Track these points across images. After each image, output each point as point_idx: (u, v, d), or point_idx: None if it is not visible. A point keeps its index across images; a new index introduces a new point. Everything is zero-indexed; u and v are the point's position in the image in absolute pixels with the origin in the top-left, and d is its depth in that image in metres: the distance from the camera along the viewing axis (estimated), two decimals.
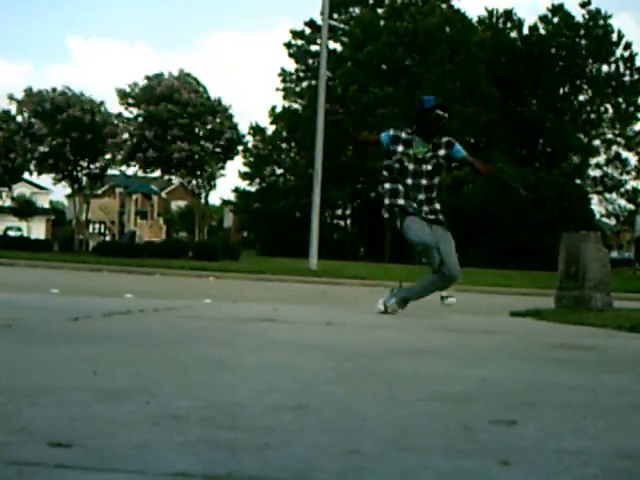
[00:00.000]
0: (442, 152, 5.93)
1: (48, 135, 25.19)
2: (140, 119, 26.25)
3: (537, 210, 37.90)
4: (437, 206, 5.95)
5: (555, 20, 50.64)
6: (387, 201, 5.92)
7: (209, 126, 26.18)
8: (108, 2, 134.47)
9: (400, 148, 5.89)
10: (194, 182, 27.87)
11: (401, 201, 5.86)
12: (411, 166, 5.87)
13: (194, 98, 26.16)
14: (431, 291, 6.11)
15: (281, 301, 8.65)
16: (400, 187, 5.87)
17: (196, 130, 25.95)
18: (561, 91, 50.99)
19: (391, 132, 6.02)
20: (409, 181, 5.86)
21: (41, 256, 20.55)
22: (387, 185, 5.92)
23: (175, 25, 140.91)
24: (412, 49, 45.30)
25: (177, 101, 25.81)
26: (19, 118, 26.65)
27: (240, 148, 28.91)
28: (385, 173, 5.97)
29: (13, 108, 26.85)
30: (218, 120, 26.37)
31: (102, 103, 27.01)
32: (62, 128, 25.16)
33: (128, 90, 26.61)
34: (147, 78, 27.13)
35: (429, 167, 5.89)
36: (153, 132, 25.50)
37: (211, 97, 27.21)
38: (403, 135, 5.96)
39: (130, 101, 26.65)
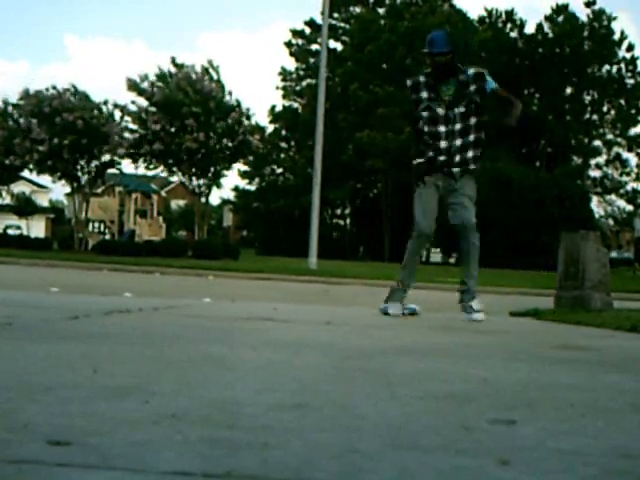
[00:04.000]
0: (473, 87, 5.44)
1: (50, 138, 25.13)
2: (151, 109, 26.06)
3: (537, 209, 37.92)
4: (470, 154, 5.47)
5: (559, 20, 50.67)
6: (414, 163, 5.62)
7: (223, 122, 25.89)
8: (105, 0, 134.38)
9: (424, 94, 5.49)
10: (195, 181, 27.81)
11: (420, 159, 5.55)
12: (442, 111, 5.44)
13: (215, 88, 25.99)
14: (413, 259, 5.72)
15: (280, 300, 8.65)
16: (428, 140, 5.50)
17: (212, 125, 25.63)
18: (563, 91, 51.02)
19: (408, 82, 5.59)
20: (442, 128, 5.44)
21: (41, 254, 20.54)
22: (418, 145, 5.60)
23: (173, 24, 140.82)
24: (413, 48, 45.33)
25: (197, 90, 25.64)
26: (17, 116, 26.58)
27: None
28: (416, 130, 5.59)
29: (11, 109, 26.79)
30: (231, 122, 26.07)
31: (106, 102, 26.87)
32: (60, 130, 25.13)
33: (138, 81, 26.49)
34: (173, 61, 26.99)
35: (462, 109, 5.42)
36: (160, 123, 25.32)
37: (226, 96, 27.01)
38: (422, 79, 5.53)
39: (143, 86, 26.41)
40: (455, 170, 5.52)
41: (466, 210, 5.58)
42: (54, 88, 26.54)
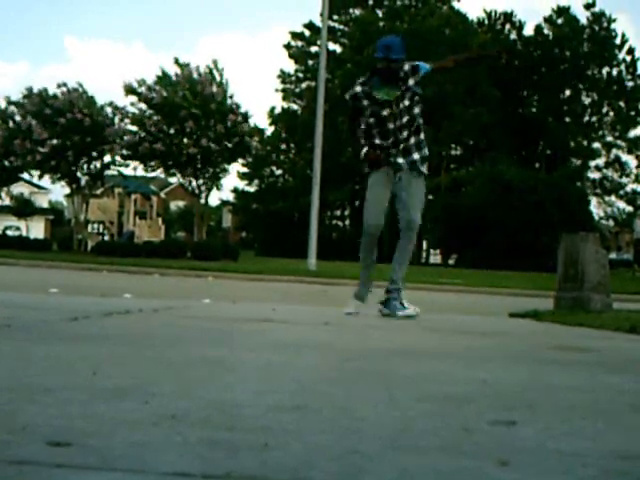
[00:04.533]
0: (412, 81, 5.61)
1: (49, 138, 25.09)
2: (149, 111, 26.02)
3: (537, 211, 37.94)
4: (413, 141, 5.65)
5: (559, 22, 50.67)
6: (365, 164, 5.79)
7: (223, 125, 25.81)
8: (106, 2, 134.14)
9: (365, 102, 5.65)
10: (194, 182, 27.78)
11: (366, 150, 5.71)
12: (387, 111, 5.60)
13: (217, 92, 25.91)
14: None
15: (280, 301, 8.65)
16: (375, 140, 5.66)
17: (212, 126, 25.54)
18: (562, 93, 51.04)
19: (347, 96, 5.76)
20: (390, 125, 5.61)
21: (40, 256, 20.52)
22: (364, 149, 5.72)
23: (172, 26, 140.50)
24: (412, 50, 45.36)
25: (197, 92, 25.55)
26: (18, 117, 26.52)
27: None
28: (361, 134, 5.74)
29: (11, 109, 26.72)
30: (229, 122, 25.96)
31: (111, 103, 26.87)
32: (62, 131, 25.09)
33: (136, 85, 26.44)
34: (176, 62, 26.91)
35: (406, 102, 5.60)
36: (159, 123, 25.25)
37: (227, 99, 26.91)
38: (358, 89, 5.68)
39: (140, 90, 26.33)
40: (400, 160, 5.65)
41: (411, 208, 5.68)
42: (64, 85, 26.51)
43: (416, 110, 5.68)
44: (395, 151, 5.66)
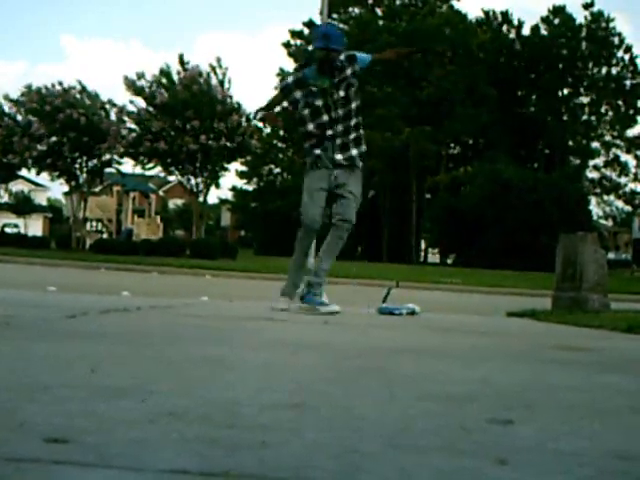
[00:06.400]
0: (349, 71, 5.51)
1: (47, 135, 25.06)
2: (151, 109, 26.00)
3: (535, 210, 37.95)
4: (352, 137, 5.53)
5: (556, 22, 50.74)
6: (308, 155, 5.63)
7: (224, 123, 25.79)
8: (104, 1, 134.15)
9: (298, 93, 5.55)
10: (193, 181, 27.76)
11: (317, 151, 5.52)
12: (320, 101, 5.47)
13: (220, 91, 25.91)
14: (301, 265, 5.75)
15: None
16: (315, 133, 5.52)
17: (214, 128, 25.56)
18: (560, 93, 51.08)
19: (282, 84, 5.64)
20: (325, 117, 5.48)
21: (38, 253, 20.51)
22: (306, 145, 5.59)
23: (170, 24, 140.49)
24: None
25: (204, 92, 25.55)
26: (18, 116, 26.49)
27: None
28: (301, 129, 5.60)
29: (9, 107, 26.67)
30: (230, 122, 25.94)
31: (110, 101, 26.85)
32: (60, 128, 25.07)
33: (136, 79, 26.38)
34: (180, 60, 26.83)
35: (341, 93, 5.48)
36: (162, 123, 25.24)
37: (228, 98, 26.89)
38: (290, 79, 5.63)
39: (141, 84, 26.30)
40: (338, 157, 5.52)
41: (349, 207, 5.58)
42: (60, 84, 26.49)
43: (354, 104, 5.55)
44: (332, 145, 5.50)
